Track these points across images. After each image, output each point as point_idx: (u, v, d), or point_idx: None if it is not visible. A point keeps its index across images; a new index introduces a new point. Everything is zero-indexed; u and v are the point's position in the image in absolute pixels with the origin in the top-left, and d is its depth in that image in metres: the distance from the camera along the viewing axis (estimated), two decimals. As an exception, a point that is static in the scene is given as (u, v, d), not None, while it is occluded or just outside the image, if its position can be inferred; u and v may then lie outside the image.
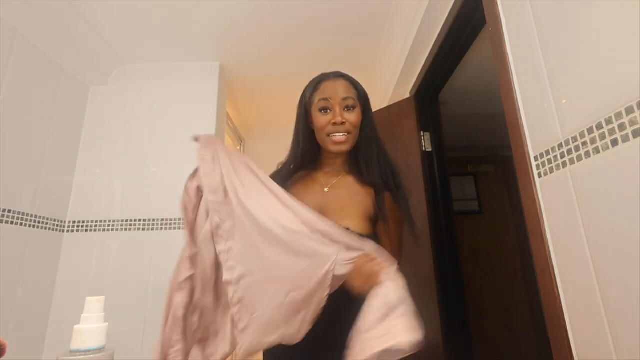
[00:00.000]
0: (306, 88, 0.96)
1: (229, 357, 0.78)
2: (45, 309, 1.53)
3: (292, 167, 0.94)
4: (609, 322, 0.58)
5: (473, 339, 1.58)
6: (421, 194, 1.59)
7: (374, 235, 0.85)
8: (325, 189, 0.91)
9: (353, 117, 0.88)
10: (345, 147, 0.88)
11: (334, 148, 0.88)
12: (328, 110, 0.88)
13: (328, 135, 0.88)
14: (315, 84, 0.92)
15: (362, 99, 0.92)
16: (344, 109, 0.88)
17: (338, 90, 0.89)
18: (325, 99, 0.88)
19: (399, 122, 1.80)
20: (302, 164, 0.94)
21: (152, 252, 1.64)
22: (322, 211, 0.83)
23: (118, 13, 1.56)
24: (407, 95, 1.86)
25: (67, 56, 1.65)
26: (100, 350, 0.61)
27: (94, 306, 0.65)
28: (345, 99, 0.88)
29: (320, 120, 0.88)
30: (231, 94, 2.26)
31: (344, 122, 0.86)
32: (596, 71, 0.59)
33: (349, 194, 0.90)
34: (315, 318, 0.70)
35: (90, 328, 0.62)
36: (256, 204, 0.74)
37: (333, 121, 0.86)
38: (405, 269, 0.87)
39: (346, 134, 0.87)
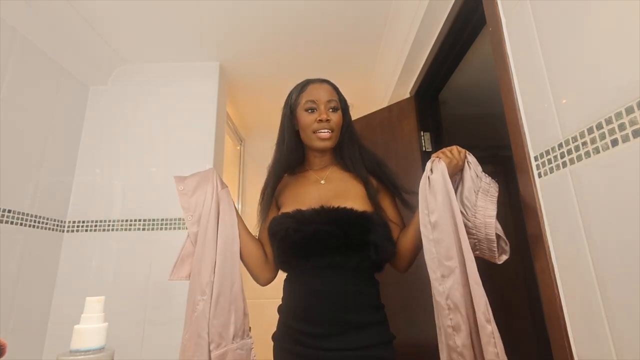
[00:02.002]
0: (292, 91, 1.04)
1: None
2: (45, 309, 1.53)
3: (278, 168, 1.01)
4: (609, 322, 0.58)
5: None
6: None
7: (376, 211, 0.93)
8: (322, 182, 1.00)
9: (336, 117, 0.97)
10: (329, 143, 0.97)
11: (319, 144, 0.97)
12: (314, 110, 0.97)
13: (314, 132, 0.96)
14: (301, 87, 1.01)
15: (343, 103, 1.03)
16: (328, 110, 0.97)
17: (323, 93, 0.98)
18: (312, 101, 0.97)
19: (399, 122, 1.80)
20: (288, 162, 1.02)
21: (152, 252, 1.64)
22: (324, 200, 0.94)
23: (118, 13, 1.56)
24: (407, 95, 1.86)
25: (67, 56, 1.65)
26: (100, 350, 0.61)
27: (94, 306, 0.65)
28: (329, 101, 0.97)
29: (306, 119, 0.97)
30: (231, 94, 2.26)
31: (329, 120, 0.95)
32: (596, 71, 0.59)
33: (344, 181, 0.99)
34: None
35: (90, 328, 0.62)
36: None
37: (319, 118, 0.95)
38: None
39: (330, 131, 0.96)
